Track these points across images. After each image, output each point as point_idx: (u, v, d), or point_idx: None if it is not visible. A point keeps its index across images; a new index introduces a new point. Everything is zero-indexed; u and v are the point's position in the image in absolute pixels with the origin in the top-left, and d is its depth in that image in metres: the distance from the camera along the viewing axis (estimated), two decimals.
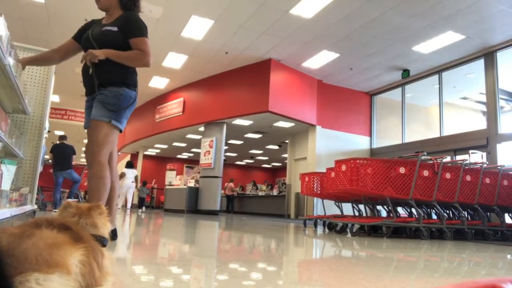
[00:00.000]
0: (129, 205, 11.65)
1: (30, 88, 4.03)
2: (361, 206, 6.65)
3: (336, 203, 6.94)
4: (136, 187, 12.19)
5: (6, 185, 2.97)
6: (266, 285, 1.42)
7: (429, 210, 5.84)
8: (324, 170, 6.66)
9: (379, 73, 11.39)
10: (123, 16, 2.63)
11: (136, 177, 12.05)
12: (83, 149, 27.96)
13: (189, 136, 15.54)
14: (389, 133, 12.50)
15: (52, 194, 8.22)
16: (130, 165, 12.50)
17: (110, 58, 2.45)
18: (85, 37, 2.67)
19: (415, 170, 4.93)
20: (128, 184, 11.63)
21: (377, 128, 13.03)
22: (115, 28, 2.55)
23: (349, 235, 5.05)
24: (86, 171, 10.16)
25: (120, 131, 2.56)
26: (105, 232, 1.18)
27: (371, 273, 1.85)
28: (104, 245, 1.15)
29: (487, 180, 5.54)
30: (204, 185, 12.33)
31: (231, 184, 17.55)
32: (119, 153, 22.50)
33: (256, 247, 2.91)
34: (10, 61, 2.38)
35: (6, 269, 0.73)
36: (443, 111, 10.41)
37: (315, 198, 11.12)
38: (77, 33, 2.85)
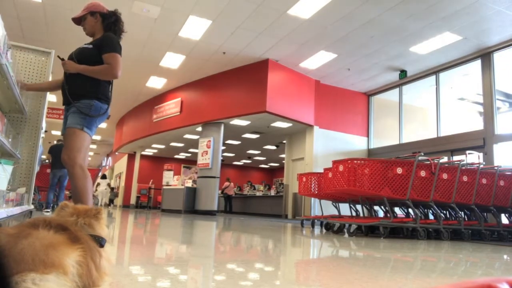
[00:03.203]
0: (101, 204, 16.29)
1: None
2: (359, 207, 6.67)
3: (334, 204, 6.95)
4: (111, 191, 17.55)
5: (3, 185, 2.96)
6: (263, 285, 1.42)
7: (426, 210, 5.86)
8: (321, 171, 6.66)
9: (377, 73, 11.42)
10: (101, 36, 2.92)
11: (108, 184, 17.04)
12: None
13: (187, 136, 15.52)
14: (386, 134, 12.53)
15: (46, 194, 8.19)
16: (104, 176, 17.74)
17: (81, 72, 2.75)
18: (69, 56, 2.91)
19: (412, 171, 4.94)
20: (102, 190, 16.77)
21: (374, 129, 13.05)
22: (90, 46, 2.85)
23: (346, 235, 5.06)
24: None
25: (90, 137, 2.87)
26: (103, 232, 1.18)
27: (368, 273, 1.85)
28: (102, 246, 1.14)
29: (484, 181, 5.57)
30: (202, 185, 12.32)
31: (232, 184, 17.61)
32: (116, 153, 22.45)
33: (254, 247, 2.91)
34: (7, 60, 2.37)
35: (3, 269, 0.72)
36: (440, 111, 10.45)
37: (312, 199, 11.13)
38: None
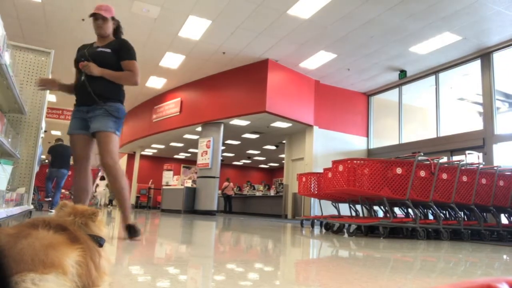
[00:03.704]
0: (100, 204, 16.85)
1: (27, 87, 4.02)
2: (358, 207, 6.67)
3: (333, 204, 6.95)
4: (108, 192, 18.19)
5: (2, 185, 2.96)
6: (263, 285, 1.42)
7: (425, 210, 5.86)
8: (321, 171, 6.66)
9: (376, 73, 11.42)
10: (117, 41, 3.06)
11: (107, 185, 17.25)
12: None
13: (186, 136, 15.52)
14: (386, 134, 12.53)
15: (45, 185, 8.18)
16: (103, 178, 18.16)
17: (104, 76, 2.85)
18: (81, 54, 2.99)
19: (411, 171, 4.94)
20: (101, 191, 17.58)
21: (374, 129, 13.06)
22: (108, 50, 2.96)
23: (346, 235, 5.06)
24: None
25: None
26: (101, 233, 1.18)
27: (368, 273, 1.85)
28: (101, 245, 1.14)
29: (484, 181, 5.57)
30: (201, 185, 12.31)
31: (232, 184, 17.61)
32: None
33: (253, 247, 2.91)
34: (7, 60, 2.37)
35: (3, 269, 0.72)
36: (440, 111, 10.45)
37: (312, 199, 11.13)
38: (75, 62, 3.05)
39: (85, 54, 2.96)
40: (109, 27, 3.08)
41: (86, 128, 2.88)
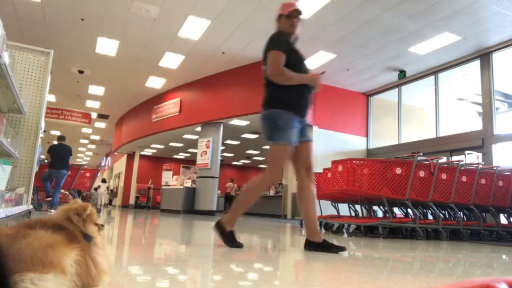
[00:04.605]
0: (100, 204, 16.97)
1: (26, 87, 4.01)
2: (358, 207, 6.67)
3: (333, 204, 6.95)
4: (108, 193, 19.96)
5: (2, 185, 2.96)
6: (262, 285, 1.42)
7: (425, 210, 5.86)
8: (320, 171, 6.66)
9: (376, 74, 11.42)
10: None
11: (107, 187, 19.43)
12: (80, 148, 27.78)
13: (186, 136, 15.52)
14: (386, 134, 12.54)
15: (44, 185, 8.14)
16: (104, 181, 19.98)
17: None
18: (301, 57, 2.89)
19: (411, 171, 4.94)
20: (102, 192, 18.57)
21: (373, 129, 13.06)
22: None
23: (345, 235, 5.06)
24: (82, 171, 10.13)
25: None
26: (90, 230, 1.16)
27: (367, 273, 1.85)
28: (89, 242, 1.13)
29: (483, 181, 5.57)
30: (201, 186, 12.31)
31: (236, 185, 17.69)
32: (115, 153, 22.45)
33: (253, 247, 2.91)
34: (6, 60, 2.36)
35: (2, 268, 0.72)
36: (439, 112, 10.45)
37: None
38: (299, 60, 2.89)
39: (302, 58, 2.87)
40: (299, 28, 2.96)
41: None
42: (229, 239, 2.70)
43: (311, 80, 2.79)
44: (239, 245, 2.67)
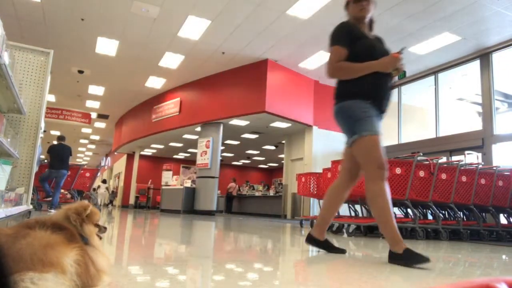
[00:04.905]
0: (100, 204, 17.67)
1: (26, 87, 4.01)
2: (357, 207, 6.67)
3: None
4: (108, 193, 20.62)
5: (1, 185, 2.96)
6: (262, 285, 1.42)
7: (424, 210, 5.87)
8: (320, 171, 6.67)
9: None
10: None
11: (107, 188, 20.12)
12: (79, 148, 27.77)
13: (186, 136, 15.51)
14: (385, 134, 12.48)
15: (42, 186, 8.13)
16: (104, 181, 20.83)
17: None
18: (374, 43, 2.57)
19: (411, 171, 4.95)
20: (102, 192, 19.24)
21: None
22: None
23: (345, 235, 5.06)
24: (82, 171, 10.13)
25: None
26: (88, 230, 1.15)
27: (367, 273, 1.85)
28: (86, 243, 1.13)
29: (483, 181, 5.57)
30: (201, 186, 12.31)
31: (237, 185, 17.75)
32: (115, 153, 22.45)
33: (253, 247, 2.91)
34: (6, 60, 2.36)
35: (2, 268, 0.72)
36: (439, 112, 10.46)
37: (311, 199, 11.13)
38: (371, 48, 2.52)
39: (375, 43, 2.53)
40: (371, 10, 2.64)
41: None
42: (408, 258, 2.17)
43: (383, 66, 2.37)
44: (424, 260, 2.11)
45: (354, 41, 2.46)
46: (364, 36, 2.54)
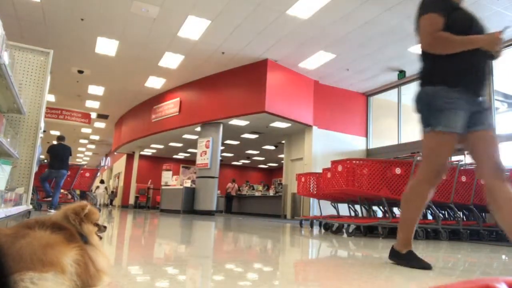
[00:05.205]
0: (99, 204, 17.49)
1: (26, 87, 4.01)
2: (357, 207, 6.67)
3: (332, 204, 6.95)
4: (107, 193, 20.95)
5: (1, 185, 2.96)
6: (262, 286, 1.42)
7: (424, 210, 5.87)
8: (320, 171, 6.66)
9: (375, 74, 11.42)
10: None
11: (106, 188, 20.36)
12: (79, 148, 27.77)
13: (186, 136, 15.51)
14: (385, 134, 12.54)
15: (42, 186, 8.12)
16: (102, 181, 20.76)
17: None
18: (471, 16, 2.29)
19: (411, 171, 4.95)
20: (100, 192, 19.45)
21: (373, 129, 13.06)
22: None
23: (345, 235, 5.06)
24: (81, 171, 10.12)
25: None
26: (87, 230, 1.15)
27: (367, 273, 1.85)
28: (85, 242, 1.13)
29: (482, 181, 5.56)
30: (201, 186, 12.31)
31: (236, 186, 17.77)
32: (115, 153, 22.45)
33: (253, 247, 2.91)
34: (6, 60, 2.36)
35: (2, 268, 0.72)
36: None
37: (311, 199, 11.13)
38: (467, 21, 2.29)
39: (474, 16, 2.20)
40: None
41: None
42: (410, 259, 2.13)
43: (487, 42, 2.11)
44: (425, 266, 2.04)
45: (449, 11, 2.17)
46: (460, 8, 2.27)
